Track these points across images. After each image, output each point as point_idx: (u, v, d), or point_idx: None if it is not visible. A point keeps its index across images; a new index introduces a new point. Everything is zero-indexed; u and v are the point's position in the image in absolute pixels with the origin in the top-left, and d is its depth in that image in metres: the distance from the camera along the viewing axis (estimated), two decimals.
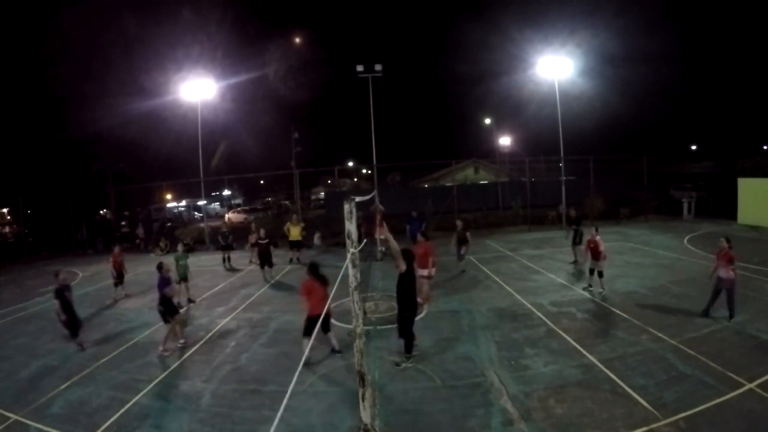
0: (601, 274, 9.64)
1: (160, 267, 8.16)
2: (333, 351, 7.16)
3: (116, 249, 12.01)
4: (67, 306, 7.96)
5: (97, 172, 29.30)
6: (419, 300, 9.34)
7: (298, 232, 15.67)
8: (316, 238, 18.93)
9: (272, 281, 12.70)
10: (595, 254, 9.56)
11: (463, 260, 12.49)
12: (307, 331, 6.62)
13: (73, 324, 8.03)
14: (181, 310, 10.02)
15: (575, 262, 12.32)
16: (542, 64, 20.66)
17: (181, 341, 7.94)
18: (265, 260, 13.07)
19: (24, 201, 23.60)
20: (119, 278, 11.58)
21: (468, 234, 12.48)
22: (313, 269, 7.11)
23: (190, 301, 10.80)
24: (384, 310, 9.39)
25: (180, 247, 11.39)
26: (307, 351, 5.77)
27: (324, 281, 6.97)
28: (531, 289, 10.35)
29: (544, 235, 18.39)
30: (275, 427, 5.16)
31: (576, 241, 12.38)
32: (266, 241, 13.28)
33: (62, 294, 7.95)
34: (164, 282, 7.93)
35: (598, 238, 9.62)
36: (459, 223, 12.64)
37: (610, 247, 12.41)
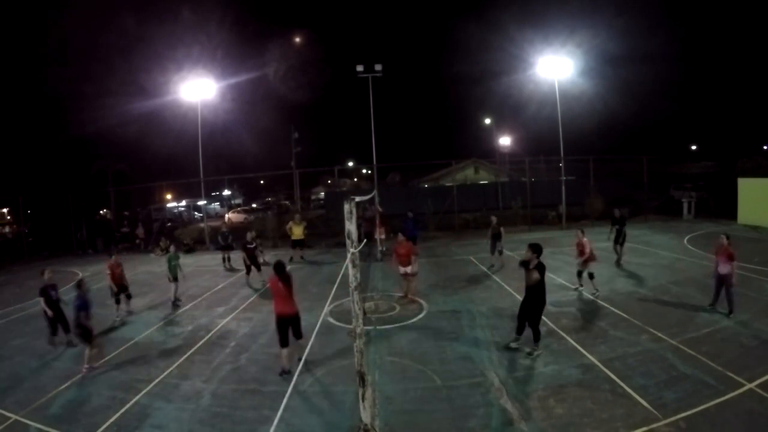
0: (591, 276, 9.66)
1: (79, 284, 7.39)
2: (283, 372, 6.45)
3: (113, 259, 10.22)
4: (52, 304, 8.09)
5: (97, 172, 29.34)
6: (409, 297, 9.57)
7: (301, 231, 15.69)
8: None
9: (262, 288, 12.39)
10: (582, 256, 9.58)
11: (502, 254, 12.63)
12: (282, 341, 6.45)
13: (54, 322, 8.11)
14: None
15: (618, 262, 12.03)
16: (542, 64, 20.64)
17: (86, 367, 7.00)
18: (252, 264, 12.34)
19: (24, 201, 23.59)
20: (121, 291, 10.02)
21: (502, 229, 12.60)
22: (277, 268, 6.55)
23: (174, 303, 10.61)
24: (384, 310, 9.39)
25: (172, 248, 11.20)
26: (285, 362, 6.27)
27: (287, 282, 6.50)
28: None
29: (544, 235, 18.36)
30: (275, 427, 5.19)
31: (619, 241, 12.12)
32: (253, 245, 12.42)
33: (47, 292, 8.10)
34: (82, 303, 7.14)
35: (585, 240, 9.61)
36: (493, 219, 12.81)
37: (609, 247, 12.47)
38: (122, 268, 10.30)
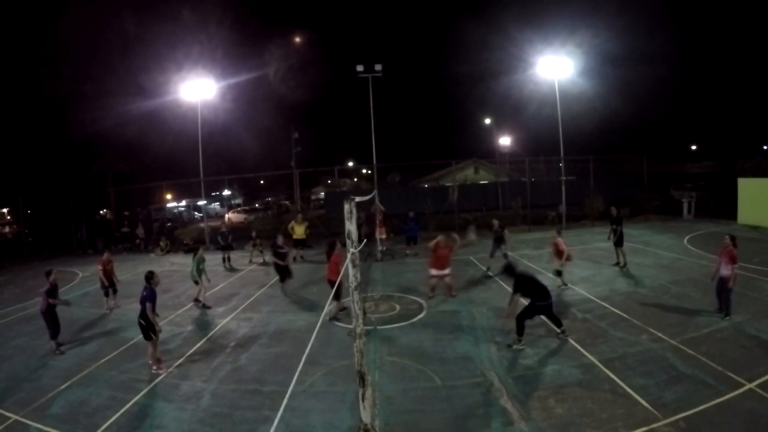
0: (559, 273, 10.06)
1: (149, 277, 7.05)
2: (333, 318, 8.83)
3: (105, 255, 11.11)
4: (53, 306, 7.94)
5: (97, 172, 29.37)
6: (452, 294, 9.93)
7: (303, 230, 15.67)
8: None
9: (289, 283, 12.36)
10: (558, 255, 10.02)
11: (507, 257, 12.54)
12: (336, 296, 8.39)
13: (56, 325, 7.97)
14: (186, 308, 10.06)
15: (617, 263, 11.88)
16: (542, 64, 20.64)
17: (154, 368, 6.92)
18: (279, 272, 11.42)
19: (24, 201, 23.58)
20: (110, 286, 10.82)
21: (506, 231, 12.58)
22: (332, 246, 9.26)
23: (204, 305, 10.36)
24: (384, 310, 9.40)
25: (201, 251, 10.83)
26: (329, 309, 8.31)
27: (329, 257, 9.22)
28: None
29: (544, 235, 18.33)
30: (275, 427, 5.19)
31: (617, 243, 11.85)
32: (284, 250, 11.31)
33: (54, 294, 7.95)
34: (152, 294, 6.88)
35: (559, 239, 10.05)
36: (495, 222, 12.78)
37: (609, 247, 12.48)
38: (113, 265, 11.15)
